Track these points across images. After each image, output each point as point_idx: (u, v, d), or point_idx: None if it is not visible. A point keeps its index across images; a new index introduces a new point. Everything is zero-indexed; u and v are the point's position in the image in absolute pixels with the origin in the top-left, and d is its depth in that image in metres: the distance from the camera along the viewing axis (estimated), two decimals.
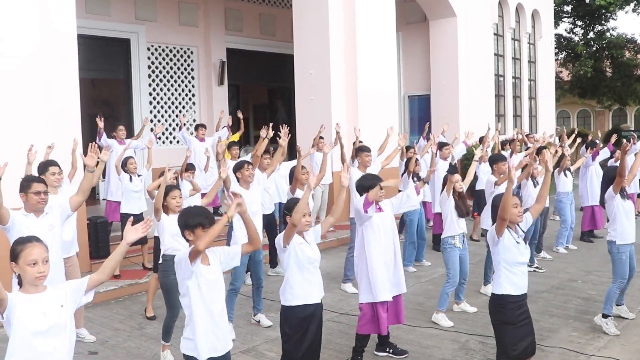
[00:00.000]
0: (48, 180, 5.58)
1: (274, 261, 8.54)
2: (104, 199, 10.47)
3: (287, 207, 4.48)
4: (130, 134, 11.36)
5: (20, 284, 3.08)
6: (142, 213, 8.26)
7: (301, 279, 4.36)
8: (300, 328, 4.34)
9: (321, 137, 10.35)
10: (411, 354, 5.48)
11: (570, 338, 5.78)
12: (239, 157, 9.64)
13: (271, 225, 8.17)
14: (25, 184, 4.83)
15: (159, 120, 13.59)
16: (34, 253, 3.02)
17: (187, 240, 3.66)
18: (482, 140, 12.19)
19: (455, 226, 6.35)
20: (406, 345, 5.61)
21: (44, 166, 5.77)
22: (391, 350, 5.47)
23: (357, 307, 6.70)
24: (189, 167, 7.98)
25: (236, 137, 11.92)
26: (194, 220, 3.61)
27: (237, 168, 6.32)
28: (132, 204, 8.21)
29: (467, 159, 12.49)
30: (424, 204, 9.97)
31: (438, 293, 7.27)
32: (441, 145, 9.80)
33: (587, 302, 6.91)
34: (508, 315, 4.31)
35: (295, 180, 7.71)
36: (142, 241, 8.24)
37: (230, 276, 6.04)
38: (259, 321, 6.40)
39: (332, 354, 5.49)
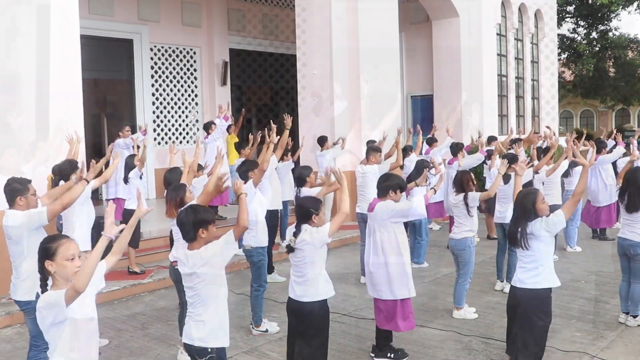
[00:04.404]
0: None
1: (270, 266, 7.97)
2: (107, 199, 10.45)
3: (313, 206, 4.39)
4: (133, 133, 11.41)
5: (44, 285, 3.02)
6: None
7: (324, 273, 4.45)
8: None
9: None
10: (414, 354, 5.46)
11: (574, 338, 5.77)
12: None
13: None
14: (22, 187, 4.60)
15: (161, 121, 13.61)
16: (72, 248, 3.04)
17: (196, 239, 3.53)
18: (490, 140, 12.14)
19: (476, 225, 6.44)
20: (408, 346, 5.60)
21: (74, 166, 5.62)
22: (392, 355, 5.36)
23: (360, 307, 6.74)
24: (200, 167, 8.00)
25: (234, 137, 11.99)
26: (209, 216, 3.59)
27: (252, 166, 6.40)
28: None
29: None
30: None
31: (441, 293, 7.29)
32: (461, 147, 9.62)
33: (590, 302, 6.89)
34: (550, 310, 4.42)
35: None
36: (134, 244, 7.98)
37: (253, 278, 6.12)
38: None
39: (335, 354, 5.48)
